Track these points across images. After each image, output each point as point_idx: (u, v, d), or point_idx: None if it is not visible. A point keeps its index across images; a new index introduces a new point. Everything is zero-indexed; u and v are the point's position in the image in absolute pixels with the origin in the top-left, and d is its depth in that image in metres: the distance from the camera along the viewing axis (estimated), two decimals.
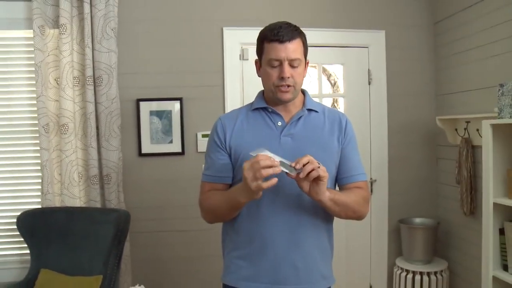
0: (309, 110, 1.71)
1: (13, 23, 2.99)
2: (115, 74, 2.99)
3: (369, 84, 3.34)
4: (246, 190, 1.44)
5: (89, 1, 2.91)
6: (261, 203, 1.60)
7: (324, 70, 3.39)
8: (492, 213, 2.24)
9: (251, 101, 1.78)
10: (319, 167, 1.42)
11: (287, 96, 1.61)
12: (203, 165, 1.77)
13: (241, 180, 1.51)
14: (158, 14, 3.13)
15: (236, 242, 1.70)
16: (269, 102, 1.70)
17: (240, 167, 1.55)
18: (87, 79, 2.93)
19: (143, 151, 3.15)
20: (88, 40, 2.92)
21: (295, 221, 1.62)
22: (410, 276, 3.09)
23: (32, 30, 2.89)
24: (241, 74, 3.22)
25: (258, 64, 1.69)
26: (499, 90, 2.22)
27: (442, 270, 3.09)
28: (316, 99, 3.26)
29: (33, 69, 2.93)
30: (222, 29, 3.17)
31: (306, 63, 1.68)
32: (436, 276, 3.05)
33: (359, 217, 1.71)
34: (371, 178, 3.34)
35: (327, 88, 3.41)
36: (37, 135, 2.96)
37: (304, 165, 1.41)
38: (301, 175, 1.41)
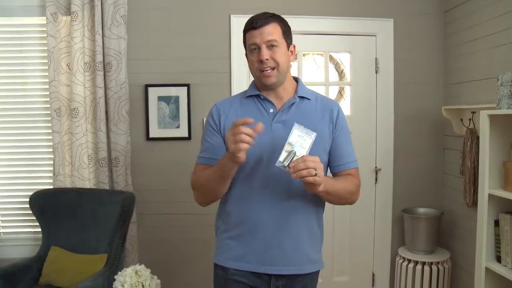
0: (301, 97, 1.74)
1: (27, 10, 3.10)
2: (124, 60, 3.06)
3: (376, 72, 3.33)
4: (229, 153, 1.50)
5: None
6: (253, 187, 1.67)
7: (331, 58, 3.38)
8: (487, 204, 2.23)
9: (245, 90, 1.82)
10: (316, 174, 1.44)
11: (271, 80, 1.66)
12: (200, 149, 1.82)
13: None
14: (167, 1, 3.18)
15: (227, 224, 1.76)
16: (261, 89, 1.74)
17: None
18: (97, 64, 3.01)
19: (151, 135, 3.22)
20: (98, 27, 3.00)
21: (285, 205, 1.67)
22: (412, 265, 3.10)
23: (45, 17, 2.99)
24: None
25: (248, 56, 1.74)
26: (498, 80, 2.20)
27: (444, 261, 3.09)
28: (323, 87, 3.33)
29: (46, 54, 3.03)
30: (229, 17, 3.20)
31: (293, 47, 1.73)
32: (438, 267, 3.05)
33: (350, 203, 1.78)
34: (376, 167, 3.35)
35: (333, 76, 3.41)
36: (49, 118, 3.07)
37: (299, 170, 1.43)
38: (293, 177, 1.44)
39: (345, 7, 3.25)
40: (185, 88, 3.20)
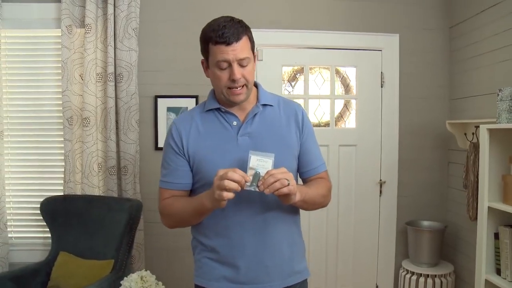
0: (264, 105, 1.66)
1: (43, 23, 3.23)
2: (135, 72, 3.15)
3: (381, 86, 3.38)
4: (212, 196, 1.42)
5: (112, 3, 3.09)
6: (227, 206, 1.49)
7: (338, 72, 3.44)
8: (487, 217, 2.25)
9: (203, 101, 1.73)
10: (288, 184, 1.39)
11: (241, 97, 1.56)
12: (161, 169, 1.73)
13: (202, 185, 1.57)
14: (177, 15, 3.28)
15: (204, 245, 1.68)
16: (221, 102, 1.64)
17: (199, 173, 1.60)
18: (109, 75, 3.11)
19: (160, 145, 3.29)
20: (110, 39, 3.10)
21: (261, 219, 1.60)
22: (415, 278, 3.11)
23: (60, 29, 3.10)
24: (256, 74, 3.28)
25: (205, 64, 1.61)
26: (498, 95, 2.24)
27: (447, 274, 3.10)
28: (329, 101, 3.38)
29: (60, 65, 3.14)
30: None
31: (255, 57, 1.62)
32: (441, 280, 3.06)
33: (322, 207, 1.73)
34: (380, 180, 3.38)
35: (339, 90, 3.47)
36: (62, 127, 3.17)
37: (270, 185, 1.37)
38: (266, 192, 1.38)
39: (351, 22, 3.32)
40: (194, 99, 3.27)
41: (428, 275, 3.08)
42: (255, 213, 1.59)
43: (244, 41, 1.51)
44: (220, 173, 1.39)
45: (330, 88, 3.39)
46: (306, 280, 1.74)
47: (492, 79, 2.84)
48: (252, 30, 3.30)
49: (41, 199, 3.08)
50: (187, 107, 3.27)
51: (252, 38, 1.59)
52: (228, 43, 1.47)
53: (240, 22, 1.55)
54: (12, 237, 3.32)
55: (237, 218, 1.58)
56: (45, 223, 3.11)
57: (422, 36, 3.36)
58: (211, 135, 1.62)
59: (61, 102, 3.15)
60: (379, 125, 3.38)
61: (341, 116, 3.48)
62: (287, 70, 3.43)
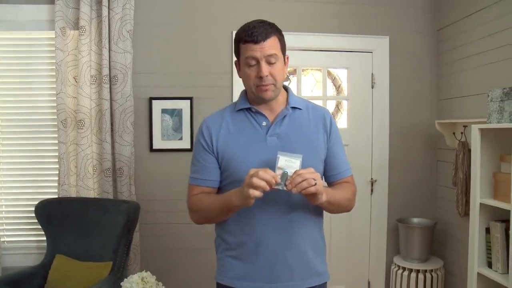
0: (293, 108, 1.70)
1: (37, 25, 3.20)
2: (129, 74, 3.16)
3: (372, 87, 3.47)
4: (241, 194, 1.47)
5: (107, 5, 3.09)
6: (252, 206, 1.55)
7: (329, 73, 3.52)
8: (479, 213, 2.35)
9: (235, 101, 1.79)
10: (315, 184, 1.43)
11: (268, 94, 1.61)
12: (190, 166, 1.77)
13: (230, 183, 1.63)
14: (172, 18, 3.30)
15: (228, 243, 1.71)
16: (252, 101, 1.69)
17: (227, 171, 1.65)
18: (104, 77, 3.11)
19: (154, 146, 3.32)
20: (105, 41, 3.10)
21: (286, 220, 1.63)
22: (406, 273, 3.20)
23: (54, 31, 3.09)
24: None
25: (238, 65, 1.69)
26: (488, 96, 2.33)
27: (437, 269, 3.20)
28: (321, 101, 3.45)
29: (54, 67, 3.12)
30: (232, 33, 3.32)
31: (286, 59, 1.68)
32: (431, 274, 3.16)
33: (347, 211, 1.77)
34: (371, 178, 3.47)
35: (331, 91, 3.54)
36: (56, 129, 3.15)
37: (297, 184, 1.41)
38: (293, 192, 1.43)
39: (343, 24, 3.39)
40: (188, 101, 3.30)
41: (418, 270, 3.17)
42: (280, 212, 1.62)
43: (272, 40, 1.58)
44: (251, 172, 1.43)
45: (322, 89, 3.46)
46: (326, 283, 1.77)
47: (478, 81, 2.94)
48: None
49: (35, 202, 3.06)
50: (181, 109, 3.30)
51: (283, 40, 1.65)
52: (256, 42, 1.55)
53: (271, 24, 1.62)
54: (4, 241, 3.29)
55: (263, 217, 1.62)
56: (38, 226, 3.09)
57: (411, 38, 3.46)
58: (241, 134, 1.67)
59: (55, 105, 3.13)
60: (370, 125, 3.47)
61: (333, 117, 3.55)
62: None
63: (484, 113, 2.62)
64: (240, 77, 1.69)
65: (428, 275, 3.16)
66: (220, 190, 1.72)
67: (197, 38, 3.32)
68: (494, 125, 2.27)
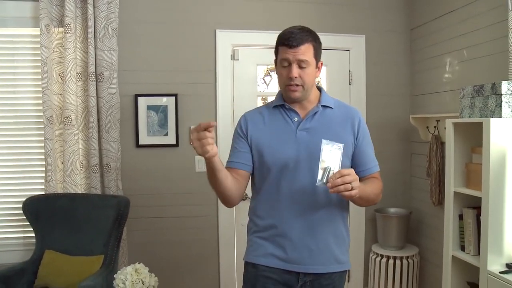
0: (324, 106, 1.84)
1: (21, 21, 3.20)
2: (115, 71, 3.21)
3: (349, 84, 3.62)
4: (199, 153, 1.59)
5: (92, 3, 3.12)
6: (280, 194, 1.78)
7: None
8: (453, 200, 2.53)
9: (272, 100, 1.94)
10: (352, 188, 1.53)
11: (295, 94, 1.76)
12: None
13: (260, 171, 1.83)
14: (156, 16, 3.36)
15: (257, 226, 1.87)
16: (287, 100, 1.84)
17: (259, 158, 1.81)
18: (90, 75, 3.14)
19: (140, 142, 3.37)
20: (91, 39, 3.13)
21: (312, 210, 1.77)
22: (384, 260, 3.38)
23: (38, 28, 3.09)
24: (232, 73, 3.46)
25: (276, 63, 1.84)
26: (460, 93, 2.51)
27: (413, 255, 3.38)
28: None
29: (39, 64, 3.14)
30: (215, 31, 3.41)
31: (320, 65, 1.82)
32: (408, 261, 3.34)
33: (374, 204, 1.95)
34: None
35: None
36: (42, 126, 3.16)
37: (336, 186, 1.52)
38: (330, 192, 1.54)
39: (321, 24, 3.50)
40: (173, 98, 3.38)
41: (396, 257, 3.35)
42: (306, 202, 1.77)
43: (306, 47, 1.72)
44: (193, 134, 1.53)
45: None
46: (346, 271, 1.91)
47: (449, 78, 3.14)
48: (227, 31, 3.48)
49: (21, 199, 3.09)
50: (166, 105, 3.37)
51: (318, 48, 1.79)
52: (291, 46, 1.70)
53: (310, 31, 1.77)
54: None
55: (289, 203, 1.78)
56: (25, 223, 3.13)
57: (386, 37, 3.63)
58: (274, 127, 1.84)
59: (41, 102, 3.14)
60: None
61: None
62: (261, 69, 3.60)
63: (456, 108, 2.79)
64: (276, 74, 1.84)
65: (404, 261, 3.34)
66: (253, 176, 1.90)
67: (181, 36, 3.39)
68: (466, 120, 2.44)
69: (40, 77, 3.14)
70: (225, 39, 3.43)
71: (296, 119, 1.82)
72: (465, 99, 2.47)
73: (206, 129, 1.50)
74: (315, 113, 1.82)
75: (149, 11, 3.35)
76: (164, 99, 3.38)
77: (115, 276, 2.65)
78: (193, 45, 3.41)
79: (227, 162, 1.89)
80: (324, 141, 1.60)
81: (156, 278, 2.71)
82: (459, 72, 3.02)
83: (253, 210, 1.91)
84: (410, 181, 3.71)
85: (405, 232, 3.45)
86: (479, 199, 2.28)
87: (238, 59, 3.45)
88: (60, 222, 3.01)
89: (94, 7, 3.15)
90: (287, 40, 1.71)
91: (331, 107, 1.86)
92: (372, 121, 3.61)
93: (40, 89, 3.14)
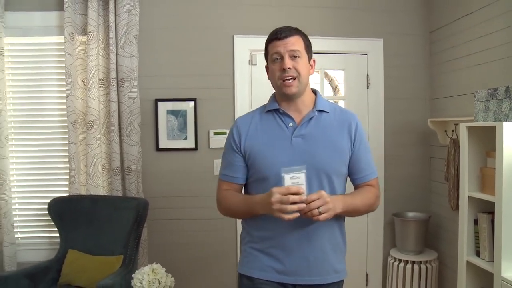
0: (320, 111, 1.77)
1: (47, 30, 3.36)
2: (136, 77, 3.31)
3: (367, 88, 3.62)
4: (267, 210, 1.58)
5: (113, 11, 3.23)
6: None
7: (326, 74, 3.67)
8: (467, 205, 2.51)
9: (265, 103, 1.87)
10: (320, 213, 1.54)
11: (291, 90, 1.70)
12: (221, 162, 1.91)
13: (255, 180, 1.76)
14: (176, 22, 3.45)
15: (252, 236, 1.82)
16: (281, 103, 1.78)
17: (253, 168, 1.75)
18: (111, 81, 3.26)
19: (160, 146, 3.46)
20: (112, 46, 3.25)
21: (308, 219, 1.66)
22: (402, 265, 3.35)
23: (63, 37, 3.23)
24: (250, 77, 3.51)
25: (268, 68, 1.81)
26: (475, 96, 2.49)
27: (432, 260, 3.35)
28: None
29: (63, 71, 3.27)
30: (233, 37, 3.47)
31: (312, 61, 1.78)
32: (426, 266, 3.31)
33: (369, 212, 1.90)
34: None
35: (328, 91, 3.70)
36: (66, 130, 3.30)
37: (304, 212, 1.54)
38: (304, 211, 1.55)
39: (339, 28, 3.54)
40: (192, 102, 3.45)
41: (414, 262, 3.32)
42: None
43: (295, 38, 1.71)
44: (277, 194, 1.54)
45: (320, 90, 3.58)
46: (343, 280, 1.86)
47: (468, 81, 3.09)
48: (244, 36, 3.51)
49: (47, 200, 3.21)
50: (186, 110, 3.44)
51: (308, 43, 1.77)
52: (279, 38, 1.69)
53: (296, 28, 1.77)
54: (18, 237, 3.44)
55: None
56: (50, 223, 3.27)
57: (404, 40, 3.61)
58: (268, 133, 1.78)
59: (64, 107, 3.28)
60: (365, 124, 3.61)
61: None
62: None
63: (473, 112, 2.77)
64: (269, 79, 1.80)
65: (423, 266, 3.31)
66: (246, 185, 1.86)
67: (200, 42, 3.46)
68: (480, 123, 2.42)
69: (64, 83, 3.28)
70: (243, 45, 3.49)
71: (291, 124, 1.76)
72: (479, 102, 2.45)
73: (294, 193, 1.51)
74: (311, 118, 1.76)
75: (168, 18, 3.44)
76: (184, 103, 3.45)
77: (133, 275, 2.73)
78: (212, 51, 3.47)
79: (221, 174, 1.88)
80: (282, 170, 1.57)
81: (173, 278, 2.78)
82: (477, 75, 2.98)
83: (248, 220, 1.85)
84: (430, 185, 3.67)
85: (424, 237, 3.42)
86: (494, 204, 2.26)
87: (255, 64, 3.49)
88: (82, 223, 3.12)
89: (115, 15, 3.26)
90: (275, 34, 1.71)
91: (327, 112, 1.79)
92: (391, 125, 3.62)
93: (64, 94, 3.28)
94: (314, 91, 1.85)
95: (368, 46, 3.59)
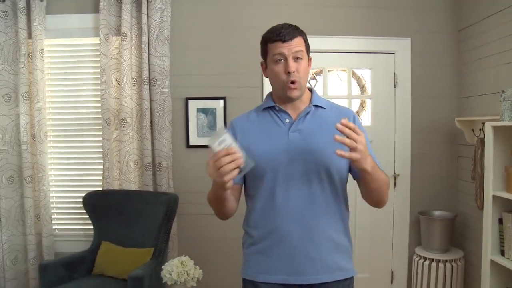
0: (316, 106, 1.74)
1: (83, 32, 3.53)
2: (167, 76, 3.43)
3: (394, 87, 3.63)
4: (216, 182, 1.51)
5: (146, 12, 3.36)
6: (275, 200, 1.66)
7: (354, 73, 3.71)
8: (492, 204, 2.52)
9: (261, 103, 1.84)
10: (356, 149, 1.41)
11: (295, 93, 1.67)
12: None
13: (253, 179, 1.69)
14: (206, 23, 3.55)
15: (253, 238, 1.75)
16: (277, 101, 1.75)
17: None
18: (144, 80, 3.39)
19: (191, 143, 3.58)
20: (145, 46, 3.38)
21: (309, 215, 1.65)
22: (427, 263, 3.36)
23: (98, 38, 3.39)
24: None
25: (264, 65, 1.77)
26: (501, 95, 2.49)
27: (457, 259, 3.35)
28: (346, 100, 3.64)
29: (98, 70, 3.43)
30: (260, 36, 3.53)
31: (309, 60, 1.74)
32: (452, 264, 3.31)
33: (383, 201, 1.71)
34: (394, 173, 3.64)
35: (356, 90, 3.73)
36: (100, 127, 3.45)
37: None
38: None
39: (366, 27, 3.57)
40: (222, 100, 3.55)
41: (439, 260, 3.33)
42: (303, 206, 1.66)
43: (298, 40, 1.67)
44: (210, 161, 1.45)
45: (347, 89, 3.65)
46: (352, 278, 1.77)
47: (496, 80, 3.08)
48: None
49: (82, 194, 3.38)
50: (215, 108, 3.54)
51: (307, 42, 1.74)
52: (284, 40, 1.64)
53: (296, 26, 1.72)
54: (56, 229, 3.62)
55: (285, 211, 1.66)
56: (85, 216, 3.42)
57: (432, 39, 3.61)
58: (264, 130, 1.74)
59: (99, 105, 3.44)
60: (392, 122, 3.64)
61: (357, 115, 3.74)
62: None
63: (500, 111, 2.76)
64: (267, 77, 1.76)
65: (448, 265, 3.31)
66: (245, 185, 1.80)
67: (229, 41, 3.55)
68: (506, 123, 2.43)
69: (99, 82, 3.42)
70: None
71: (287, 120, 1.72)
72: (505, 102, 2.45)
73: (226, 154, 1.42)
74: (307, 113, 1.73)
75: (198, 18, 3.54)
76: (213, 102, 3.56)
77: (162, 267, 2.85)
78: (240, 50, 3.55)
79: None
80: (208, 142, 1.47)
81: (201, 270, 2.89)
82: (506, 74, 2.96)
83: (247, 221, 1.80)
84: (457, 184, 3.66)
85: (450, 235, 3.42)
86: None
87: None
88: (115, 216, 3.27)
89: (148, 17, 3.38)
90: (279, 36, 1.65)
91: (323, 107, 1.76)
92: (418, 124, 3.62)
93: (99, 93, 3.43)
94: (310, 89, 1.82)
95: (395, 45, 3.60)
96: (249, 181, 1.76)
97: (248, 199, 1.80)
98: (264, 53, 1.75)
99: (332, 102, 1.85)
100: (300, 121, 1.71)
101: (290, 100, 1.71)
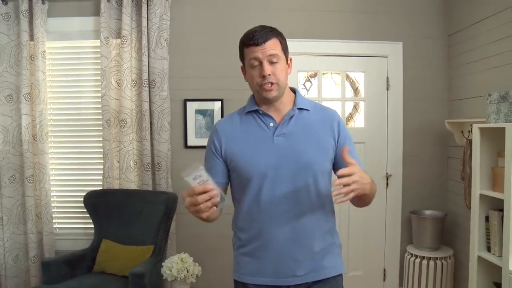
0: (300, 109, 1.73)
1: (84, 34, 3.60)
2: (166, 78, 3.51)
3: (387, 89, 3.74)
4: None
5: (146, 16, 3.44)
6: (261, 204, 1.66)
7: (347, 76, 3.81)
8: (479, 203, 2.63)
9: (244, 105, 1.80)
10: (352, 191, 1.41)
11: (272, 94, 1.64)
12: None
13: (239, 183, 1.70)
14: (204, 26, 3.64)
15: (241, 240, 1.76)
16: (260, 104, 1.73)
17: (235, 171, 1.68)
18: (143, 81, 3.47)
19: (189, 143, 3.67)
20: (144, 49, 3.46)
21: (293, 214, 1.65)
22: (419, 261, 3.46)
23: (99, 40, 3.46)
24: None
25: (243, 69, 1.75)
26: (487, 98, 2.61)
27: (447, 256, 3.46)
28: (340, 103, 3.75)
29: (99, 72, 3.50)
30: None
31: (290, 61, 1.72)
32: (442, 262, 3.42)
33: (369, 204, 1.73)
34: (387, 173, 3.74)
35: (349, 93, 3.84)
36: (101, 128, 3.53)
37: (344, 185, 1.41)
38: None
39: (360, 32, 3.68)
40: (219, 102, 3.64)
41: (430, 258, 3.43)
42: (289, 209, 1.65)
43: (273, 42, 1.64)
44: (187, 200, 1.44)
45: (341, 91, 3.76)
46: (341, 275, 1.77)
47: (484, 83, 3.19)
48: None
49: (82, 194, 3.45)
50: (213, 109, 3.63)
51: (285, 43, 1.71)
52: (257, 44, 1.62)
53: (272, 28, 1.69)
54: (56, 227, 3.69)
55: (271, 213, 1.66)
56: (86, 215, 3.49)
57: (424, 43, 3.72)
58: (248, 135, 1.71)
59: (100, 106, 3.51)
60: (385, 124, 3.74)
61: (351, 117, 3.86)
62: (302, 75, 3.80)
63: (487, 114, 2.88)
64: (247, 81, 1.74)
65: (438, 262, 3.42)
66: (232, 189, 1.80)
67: (227, 44, 3.64)
68: (492, 125, 2.53)
69: (99, 84, 3.50)
70: None
71: (272, 124, 1.70)
72: (491, 104, 2.56)
73: (201, 193, 1.40)
74: (291, 116, 1.71)
75: (197, 22, 3.63)
76: (211, 103, 3.65)
77: (163, 264, 2.94)
78: (238, 53, 3.61)
79: None
80: (183, 175, 1.46)
81: (200, 267, 2.98)
82: (493, 78, 3.08)
83: (235, 223, 1.81)
84: (447, 184, 3.78)
85: (440, 234, 3.53)
86: (503, 202, 2.37)
87: None
88: (115, 215, 3.34)
89: (147, 20, 3.47)
90: (252, 39, 1.63)
91: (308, 109, 1.75)
92: (409, 126, 3.73)
93: (100, 94, 3.51)
94: (293, 90, 1.80)
95: (388, 49, 3.71)
96: (235, 185, 1.77)
97: (235, 202, 1.79)
98: (242, 57, 1.75)
99: (316, 103, 1.84)
100: (284, 125, 1.70)
101: (269, 101, 1.69)
